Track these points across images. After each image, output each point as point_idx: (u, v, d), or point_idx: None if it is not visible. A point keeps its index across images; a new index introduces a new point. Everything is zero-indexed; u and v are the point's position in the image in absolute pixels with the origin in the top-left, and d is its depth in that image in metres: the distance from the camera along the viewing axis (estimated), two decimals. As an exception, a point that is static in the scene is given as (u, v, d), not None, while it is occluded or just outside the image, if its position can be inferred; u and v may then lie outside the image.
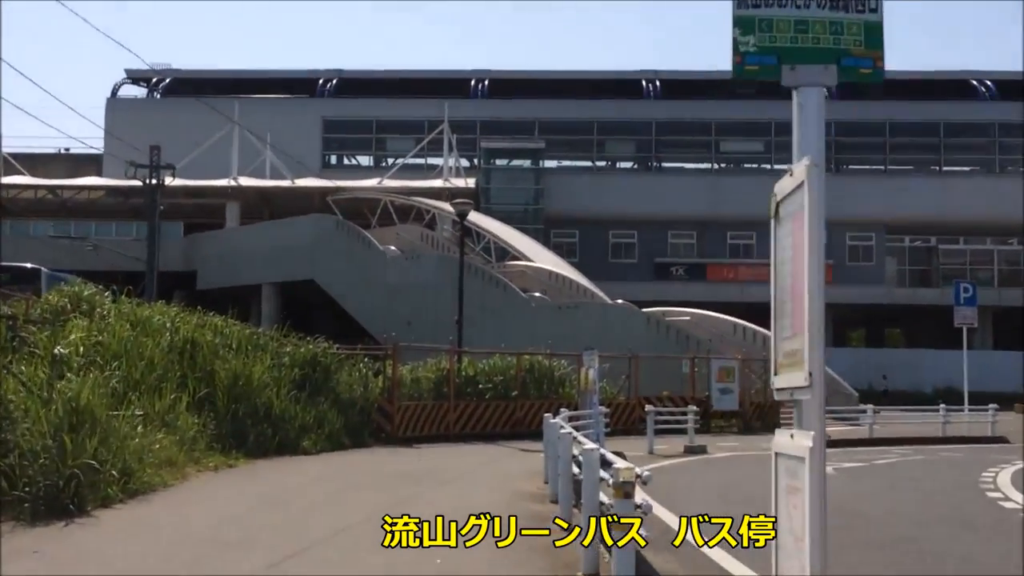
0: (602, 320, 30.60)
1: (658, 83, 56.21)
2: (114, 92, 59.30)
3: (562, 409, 13.47)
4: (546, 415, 12.21)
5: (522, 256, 39.62)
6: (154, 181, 37.41)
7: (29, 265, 23.58)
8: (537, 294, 34.39)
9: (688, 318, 32.31)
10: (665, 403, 23.11)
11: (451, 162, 49.46)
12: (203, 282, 45.16)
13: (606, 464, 6.51)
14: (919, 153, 54.40)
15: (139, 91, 60.53)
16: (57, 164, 55.38)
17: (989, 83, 54.76)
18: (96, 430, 9.18)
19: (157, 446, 11.06)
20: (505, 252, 40.92)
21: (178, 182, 48.17)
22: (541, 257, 40.50)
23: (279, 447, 14.91)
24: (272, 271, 42.21)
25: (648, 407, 18.32)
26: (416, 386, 19.92)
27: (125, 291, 16.83)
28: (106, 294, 16.26)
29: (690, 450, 17.86)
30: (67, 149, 58.91)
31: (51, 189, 48.84)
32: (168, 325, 15.19)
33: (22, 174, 49.35)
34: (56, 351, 10.67)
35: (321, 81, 57.59)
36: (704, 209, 50.69)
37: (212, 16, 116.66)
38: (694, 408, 18.99)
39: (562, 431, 8.88)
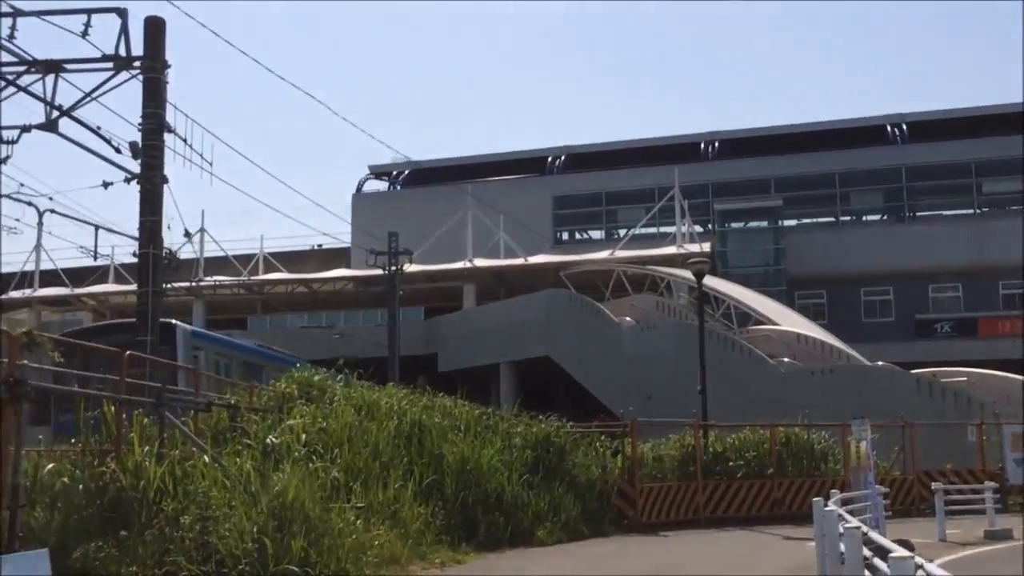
0: (862, 384, 27.51)
1: (904, 127, 52.10)
2: (359, 188, 62.62)
3: (833, 491, 11.45)
4: (815, 500, 10.28)
5: (766, 320, 37.03)
6: (392, 267, 38.52)
7: (171, 321, 18.44)
8: (786, 359, 31.73)
9: (965, 379, 28.47)
10: (949, 478, 19.96)
11: (684, 228, 47.78)
12: (443, 364, 45.71)
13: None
14: None
15: (381, 185, 63.65)
16: (310, 260, 58.73)
17: None
18: (305, 528, 8.32)
19: (378, 542, 10.16)
20: (747, 317, 38.48)
21: (417, 268, 49.80)
22: (787, 319, 37.68)
23: (511, 537, 13.74)
24: (508, 350, 42.00)
25: (935, 484, 15.57)
26: (659, 465, 18.22)
27: (356, 374, 16.45)
28: (338, 378, 15.93)
29: (992, 536, 14.89)
30: (319, 245, 62.28)
31: (303, 283, 51.67)
32: (395, 408, 14.57)
33: (279, 271, 52.68)
34: (268, 440, 10.07)
35: (550, 159, 58.05)
36: (969, 258, 45.92)
37: (447, 109, 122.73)
38: (992, 484, 15.99)
39: (847, 525, 7.03)
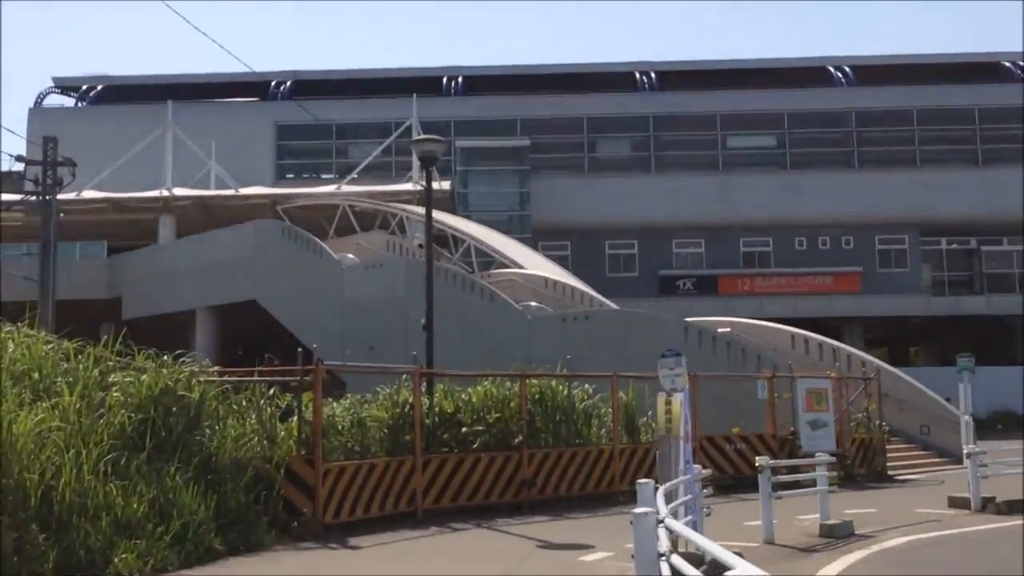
0: (623, 332, 23.28)
1: (653, 75, 49.51)
2: (38, 101, 52.12)
3: (644, 481, 6.21)
4: (636, 512, 4.94)
5: (510, 263, 32.36)
6: (49, 181, 29.95)
7: None
8: (533, 304, 27.10)
9: (728, 329, 25.06)
10: (736, 444, 15.83)
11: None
12: (128, 311, 37.43)
13: None
14: (953, 144, 47.55)
15: (68, 101, 53.33)
16: (-28, 182, 47.72)
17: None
18: None
19: None
20: (490, 262, 33.74)
21: (101, 194, 41.22)
22: (533, 263, 33.25)
23: (62, 570, 7.40)
24: (207, 293, 34.64)
25: (762, 460, 10.72)
26: (359, 433, 12.20)
27: None
28: None
29: (830, 532, 10.41)
30: (-10, 168, 51.49)
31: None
32: None
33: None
34: None
35: (274, 84, 50.45)
36: (713, 213, 44.13)
37: (154, 21, 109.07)
38: (827, 458, 11.48)
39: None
